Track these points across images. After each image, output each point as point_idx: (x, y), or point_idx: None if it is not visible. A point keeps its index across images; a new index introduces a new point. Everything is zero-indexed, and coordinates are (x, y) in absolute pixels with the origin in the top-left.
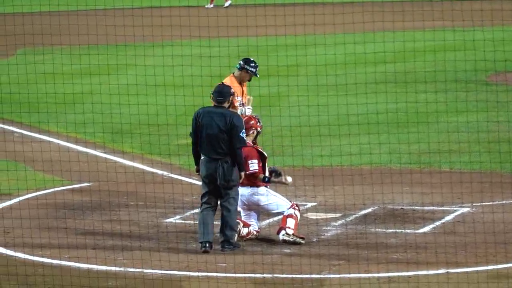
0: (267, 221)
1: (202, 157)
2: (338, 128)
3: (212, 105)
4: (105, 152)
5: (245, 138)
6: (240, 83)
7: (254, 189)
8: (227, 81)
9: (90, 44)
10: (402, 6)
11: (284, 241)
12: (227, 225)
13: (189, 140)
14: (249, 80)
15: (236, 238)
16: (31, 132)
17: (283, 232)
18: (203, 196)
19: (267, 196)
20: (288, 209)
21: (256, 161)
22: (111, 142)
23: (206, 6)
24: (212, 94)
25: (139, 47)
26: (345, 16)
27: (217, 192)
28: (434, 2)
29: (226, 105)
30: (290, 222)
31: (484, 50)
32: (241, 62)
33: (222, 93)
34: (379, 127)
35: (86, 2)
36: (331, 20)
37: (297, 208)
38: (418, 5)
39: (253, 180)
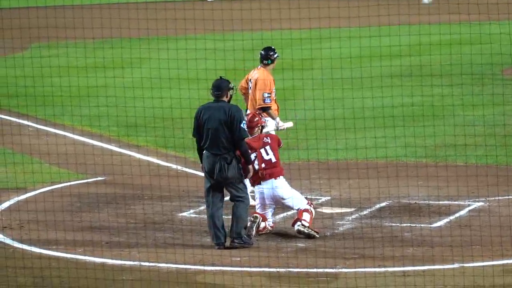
0: (282, 215)
1: (204, 152)
2: (353, 122)
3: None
4: (119, 146)
5: (246, 130)
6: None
7: (275, 182)
8: (264, 74)
9: (104, 38)
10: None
11: (299, 232)
12: (237, 221)
13: None
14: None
15: (253, 231)
16: (46, 126)
17: (299, 223)
18: (207, 191)
19: (288, 190)
20: (306, 204)
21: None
22: (125, 136)
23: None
24: (211, 89)
25: (153, 40)
26: (360, 10)
27: (221, 187)
28: None
29: (225, 99)
30: (306, 216)
31: (500, 43)
32: (266, 54)
33: (220, 88)
34: (395, 121)
35: None
36: (346, 13)
37: (312, 205)
38: None
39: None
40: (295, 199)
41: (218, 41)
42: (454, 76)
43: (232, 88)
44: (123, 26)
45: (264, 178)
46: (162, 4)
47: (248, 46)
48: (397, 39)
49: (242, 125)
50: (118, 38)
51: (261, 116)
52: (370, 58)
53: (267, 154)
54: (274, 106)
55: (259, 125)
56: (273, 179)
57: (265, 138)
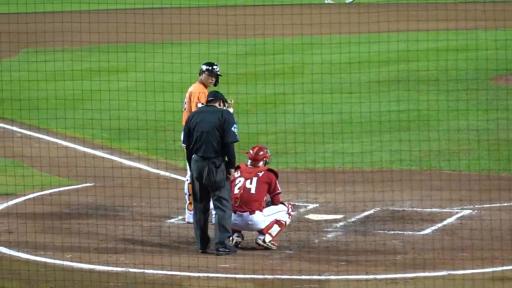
0: None
1: (193, 156)
2: (341, 127)
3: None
4: (109, 152)
5: (237, 135)
6: (206, 87)
7: (253, 216)
8: (195, 86)
9: (92, 43)
10: (407, 7)
11: (258, 244)
12: (221, 230)
13: None
14: (215, 84)
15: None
16: (35, 131)
17: (262, 237)
18: (194, 195)
19: (264, 222)
20: (285, 213)
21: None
22: (116, 142)
23: (326, 2)
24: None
25: (148, 45)
26: (350, 17)
27: (207, 192)
28: (438, 3)
29: (217, 105)
30: (275, 229)
31: (487, 50)
32: (201, 66)
33: (216, 95)
34: (382, 127)
35: (89, 1)
36: (337, 20)
37: (292, 213)
38: (423, 6)
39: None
40: (274, 218)
41: (212, 47)
42: (441, 82)
43: (225, 101)
44: (111, 31)
45: (239, 208)
46: (150, 10)
47: (242, 51)
48: (386, 46)
49: (233, 128)
50: (105, 44)
51: (267, 151)
52: (359, 64)
53: (250, 183)
54: None
55: (265, 159)
56: (248, 214)
57: (259, 172)
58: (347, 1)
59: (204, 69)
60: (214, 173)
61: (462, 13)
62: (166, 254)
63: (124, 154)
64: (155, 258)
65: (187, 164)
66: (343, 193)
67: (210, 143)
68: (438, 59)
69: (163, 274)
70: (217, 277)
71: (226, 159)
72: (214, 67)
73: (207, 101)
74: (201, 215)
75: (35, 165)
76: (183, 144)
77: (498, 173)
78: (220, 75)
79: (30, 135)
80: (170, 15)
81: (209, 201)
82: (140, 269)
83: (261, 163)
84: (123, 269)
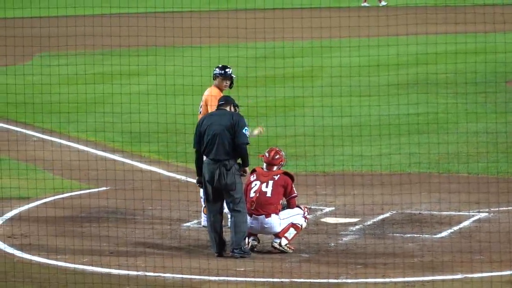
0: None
1: (205, 159)
2: (359, 130)
3: None
4: (129, 157)
5: (248, 136)
6: (221, 90)
7: (268, 219)
8: (210, 91)
9: (113, 47)
10: (425, 10)
11: (274, 248)
12: (237, 232)
13: None
14: (230, 87)
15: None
16: (57, 137)
17: (278, 240)
18: (207, 198)
19: (280, 224)
20: (301, 217)
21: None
22: (136, 145)
23: (362, 4)
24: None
25: (168, 48)
26: (370, 20)
27: (220, 196)
28: (457, 7)
29: (227, 109)
30: (291, 232)
31: (505, 53)
32: (214, 70)
33: (225, 99)
34: (400, 130)
35: (110, 4)
36: (356, 23)
37: (308, 217)
38: (441, 10)
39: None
40: (290, 222)
41: (231, 50)
42: (459, 85)
43: (237, 106)
44: (132, 34)
45: (255, 211)
46: (170, 14)
47: (261, 55)
48: (405, 49)
49: (244, 130)
50: (126, 47)
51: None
52: (377, 67)
53: (266, 187)
54: None
55: (280, 162)
56: (264, 217)
57: (275, 176)
58: (380, 4)
59: (217, 73)
60: (225, 176)
61: (481, 16)
62: (184, 258)
63: (142, 158)
64: (173, 262)
65: (196, 168)
66: (361, 196)
67: (221, 145)
68: (456, 62)
69: (181, 277)
70: (235, 280)
71: (239, 160)
72: (227, 70)
73: (218, 105)
74: (215, 217)
75: (52, 168)
76: (193, 148)
77: None
78: (234, 77)
79: (50, 140)
80: (190, 18)
81: (223, 203)
82: (159, 273)
83: (276, 167)
84: (141, 272)
